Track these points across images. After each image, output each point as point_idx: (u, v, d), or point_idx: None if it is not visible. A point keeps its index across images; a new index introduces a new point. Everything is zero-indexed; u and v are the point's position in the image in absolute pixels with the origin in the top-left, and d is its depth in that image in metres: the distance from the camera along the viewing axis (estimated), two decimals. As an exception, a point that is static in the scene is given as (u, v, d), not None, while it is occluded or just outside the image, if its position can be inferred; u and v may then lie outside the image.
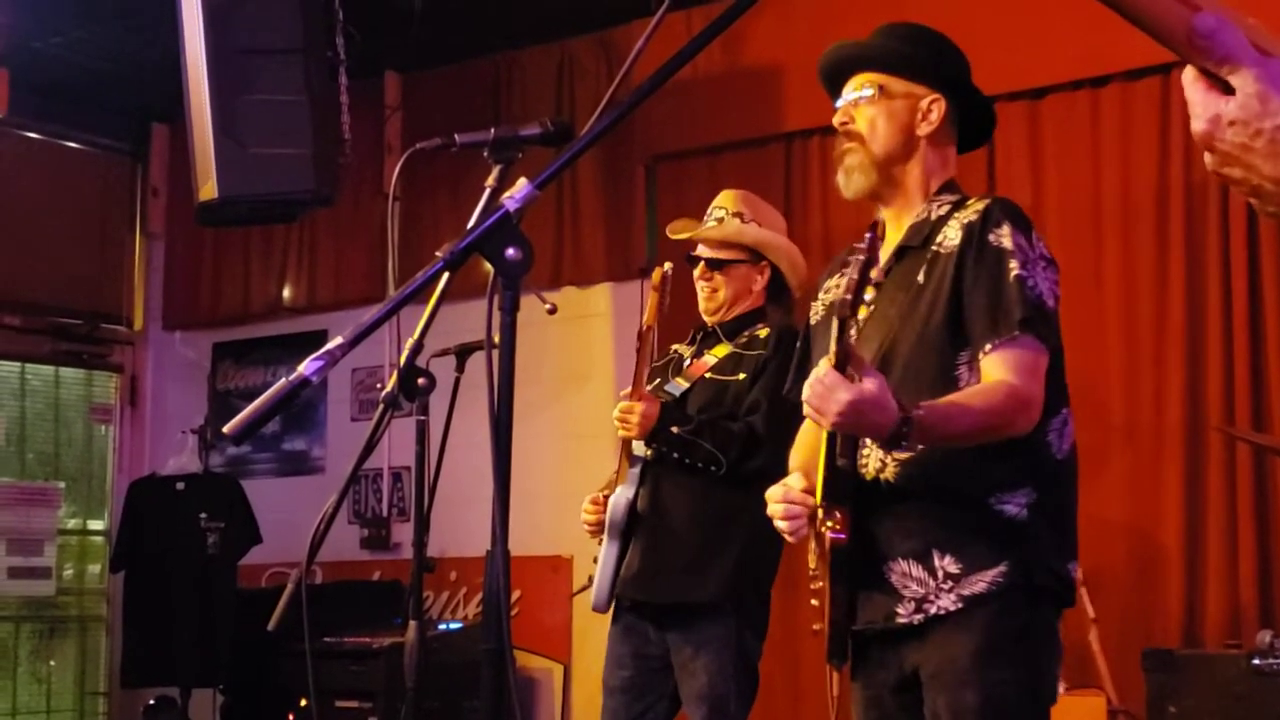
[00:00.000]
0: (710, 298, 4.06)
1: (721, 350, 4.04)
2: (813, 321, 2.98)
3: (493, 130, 2.24)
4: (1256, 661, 4.35)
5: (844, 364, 2.43)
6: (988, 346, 2.58)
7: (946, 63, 2.85)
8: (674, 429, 3.88)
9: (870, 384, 2.41)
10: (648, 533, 3.95)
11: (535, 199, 1.93)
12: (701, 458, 3.87)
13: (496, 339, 1.93)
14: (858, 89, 2.82)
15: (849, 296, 2.41)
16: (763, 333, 4.01)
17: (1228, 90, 1.24)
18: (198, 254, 7.85)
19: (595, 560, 4.03)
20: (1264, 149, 1.23)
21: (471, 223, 1.95)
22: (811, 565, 2.71)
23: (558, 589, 6.46)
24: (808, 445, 2.83)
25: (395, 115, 7.15)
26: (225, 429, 1.85)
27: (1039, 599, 2.64)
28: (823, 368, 2.45)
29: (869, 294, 2.47)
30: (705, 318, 4.11)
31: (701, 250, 4.08)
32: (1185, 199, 5.18)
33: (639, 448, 3.98)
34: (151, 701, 6.86)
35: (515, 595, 6.26)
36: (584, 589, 4.08)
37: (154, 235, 8.14)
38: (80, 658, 7.94)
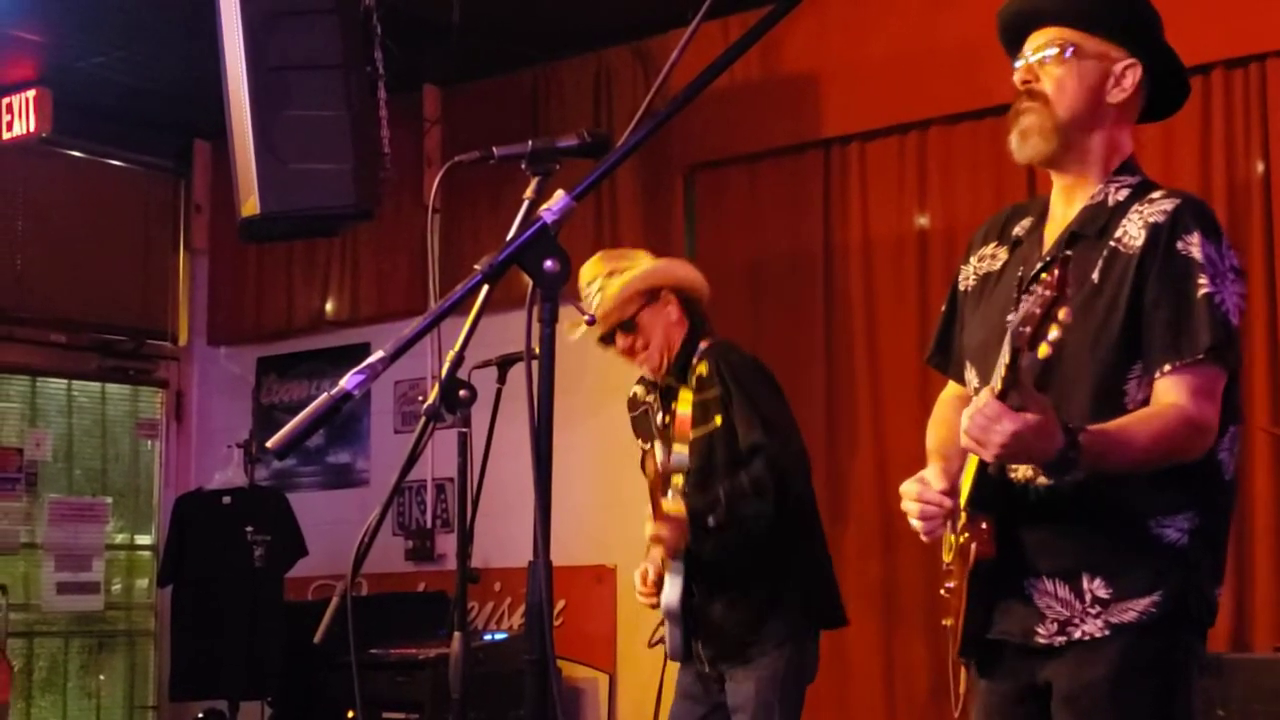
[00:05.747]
0: (646, 357, 3.95)
1: (686, 399, 3.92)
2: (961, 288, 2.75)
3: (531, 142, 2.24)
4: (1307, 665, 4.31)
5: (1007, 393, 2.26)
6: (1166, 367, 2.40)
7: (1146, 23, 2.58)
8: (709, 520, 3.76)
9: (1035, 412, 2.26)
10: (708, 617, 3.87)
11: (573, 210, 1.93)
12: (749, 526, 3.77)
13: (537, 350, 1.93)
14: (1045, 46, 2.55)
15: (1027, 330, 2.17)
16: (702, 369, 3.89)
17: None
18: (241, 269, 7.92)
19: (661, 624, 3.96)
20: None
21: (510, 235, 1.95)
22: (946, 559, 2.56)
23: (602, 598, 6.46)
24: (946, 421, 2.61)
25: (434, 128, 7.18)
26: (269, 444, 1.86)
27: (1187, 627, 2.49)
28: (984, 397, 2.28)
29: (1053, 333, 2.18)
30: (656, 377, 3.98)
31: (603, 326, 3.93)
32: (1228, 198, 5.14)
33: None
34: (200, 715, 6.90)
35: (559, 605, 6.27)
36: (660, 641, 4.01)
37: (198, 251, 8.21)
38: (129, 672, 8.01)
